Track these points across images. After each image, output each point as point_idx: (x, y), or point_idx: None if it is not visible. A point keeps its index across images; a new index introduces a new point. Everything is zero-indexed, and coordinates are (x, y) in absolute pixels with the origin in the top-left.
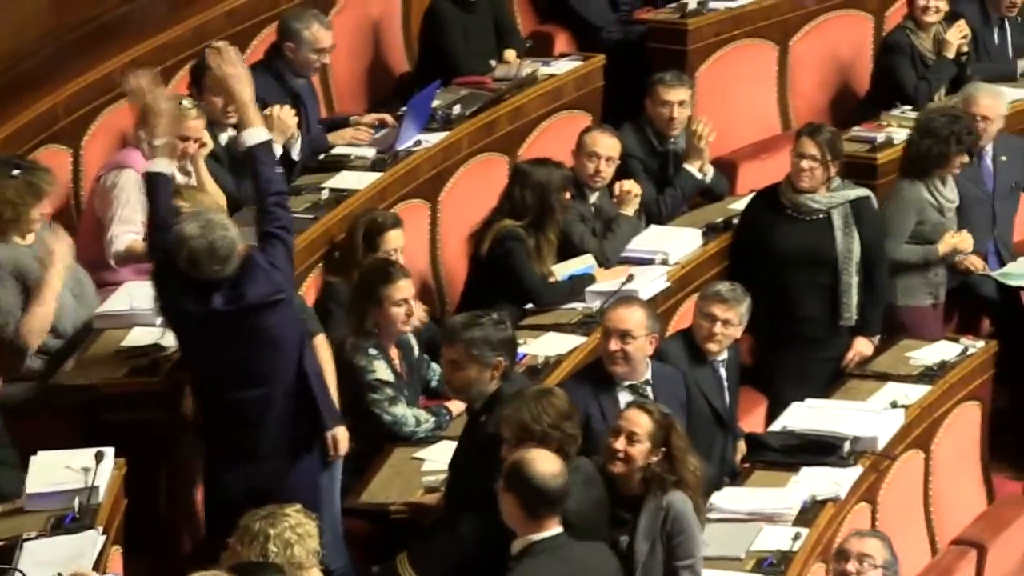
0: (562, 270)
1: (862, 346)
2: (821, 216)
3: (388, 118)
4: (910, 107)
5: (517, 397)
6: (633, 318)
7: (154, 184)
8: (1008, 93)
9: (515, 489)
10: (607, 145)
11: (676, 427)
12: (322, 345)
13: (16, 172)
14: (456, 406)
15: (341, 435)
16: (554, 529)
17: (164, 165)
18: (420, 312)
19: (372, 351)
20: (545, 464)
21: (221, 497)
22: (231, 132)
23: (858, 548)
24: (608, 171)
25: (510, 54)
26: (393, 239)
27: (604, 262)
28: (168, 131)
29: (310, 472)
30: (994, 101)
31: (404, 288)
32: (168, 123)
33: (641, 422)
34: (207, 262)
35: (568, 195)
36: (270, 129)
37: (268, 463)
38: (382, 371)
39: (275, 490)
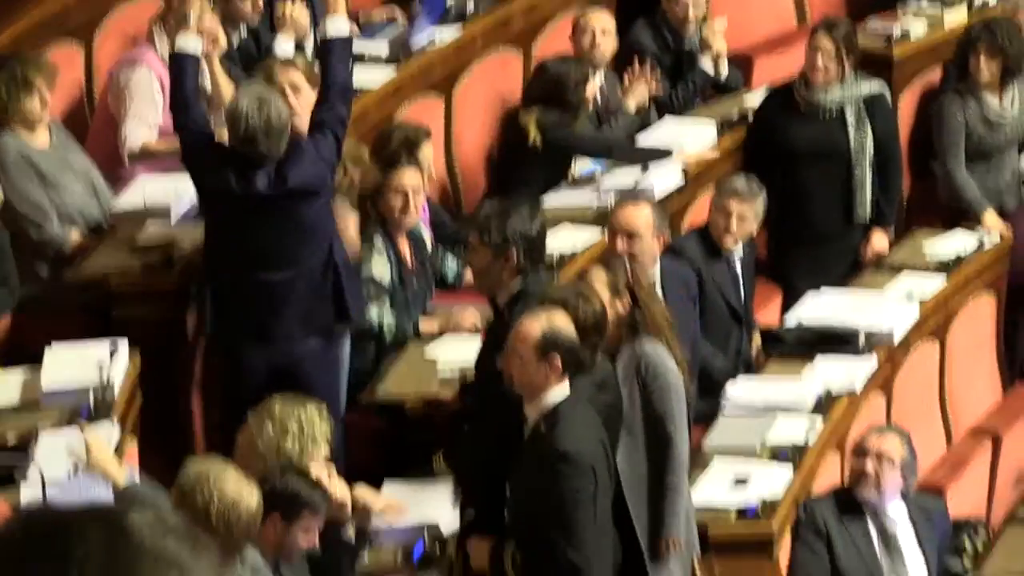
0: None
1: (878, 241)
2: (834, 112)
3: (398, 13)
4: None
5: (560, 293)
6: (640, 217)
7: (181, 63)
8: None
9: (558, 350)
10: (599, 18)
11: (639, 275)
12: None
13: (4, 65)
14: (429, 325)
15: None
16: (566, 388)
17: (192, 44)
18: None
19: (376, 241)
20: (569, 325)
21: (242, 374)
22: (244, 32)
23: (877, 446)
24: (605, 43)
25: None
26: (427, 154)
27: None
28: (197, 10)
29: (329, 358)
30: None
31: (405, 177)
32: (201, 5)
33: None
34: (263, 138)
35: (590, 89)
36: (282, 26)
37: (287, 345)
38: (378, 267)
39: (295, 372)
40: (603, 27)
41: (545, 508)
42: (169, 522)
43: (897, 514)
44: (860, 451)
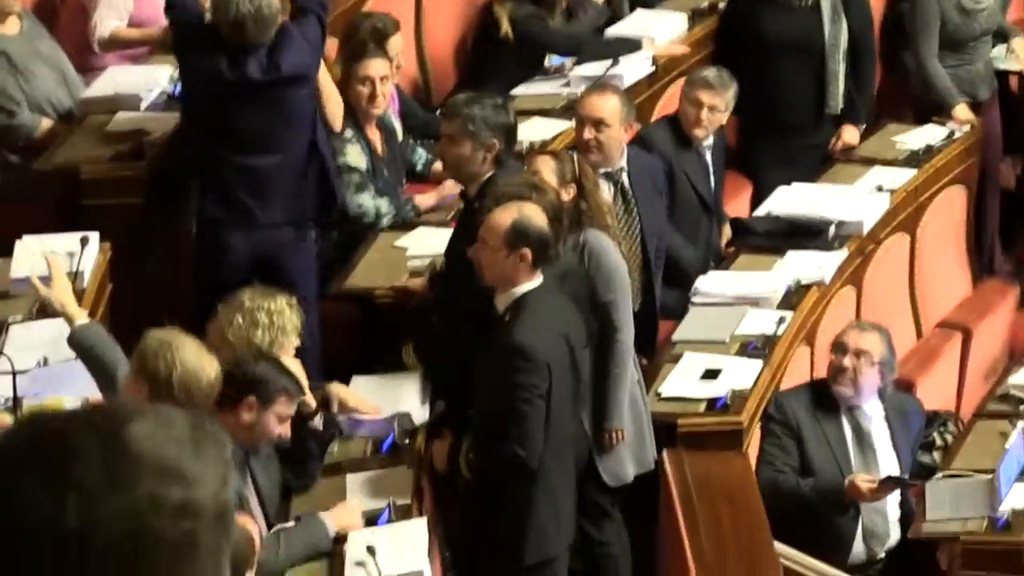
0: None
1: (848, 134)
2: (810, 3)
3: None
4: None
5: (514, 187)
6: (608, 106)
7: None
8: None
9: (527, 243)
10: None
11: (585, 167)
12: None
13: None
14: (425, 200)
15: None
16: (538, 279)
17: None
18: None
19: (347, 133)
20: (542, 216)
21: (224, 260)
22: None
23: (855, 343)
24: None
25: None
26: (395, 44)
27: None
28: None
29: (308, 247)
30: None
31: (371, 66)
32: None
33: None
34: (252, 25)
35: None
36: None
37: (270, 230)
38: (353, 155)
39: (276, 260)
40: None
41: (497, 401)
42: (171, 429)
43: (873, 412)
44: (839, 347)
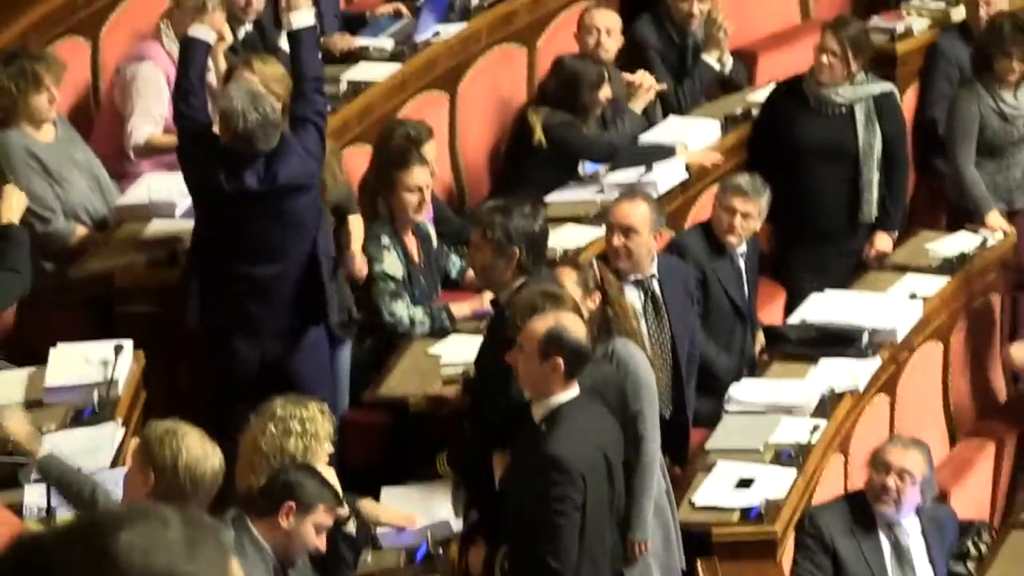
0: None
1: (882, 242)
2: (844, 110)
3: (403, 8)
4: None
5: (529, 303)
6: (637, 213)
7: (193, 49)
8: None
9: (560, 353)
10: (604, 18)
11: (607, 274)
12: (356, 225)
13: (13, 60)
14: (460, 309)
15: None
16: (575, 390)
17: (205, 32)
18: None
19: (384, 239)
20: (580, 327)
21: (233, 368)
22: (249, 27)
23: (899, 462)
24: (610, 43)
25: None
26: (430, 151)
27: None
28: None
29: (317, 352)
30: None
31: (419, 175)
32: None
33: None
34: (262, 135)
35: (604, 93)
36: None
37: (276, 338)
38: (390, 263)
39: (286, 365)
40: (608, 26)
41: (532, 511)
42: (163, 533)
43: (911, 527)
44: (880, 465)
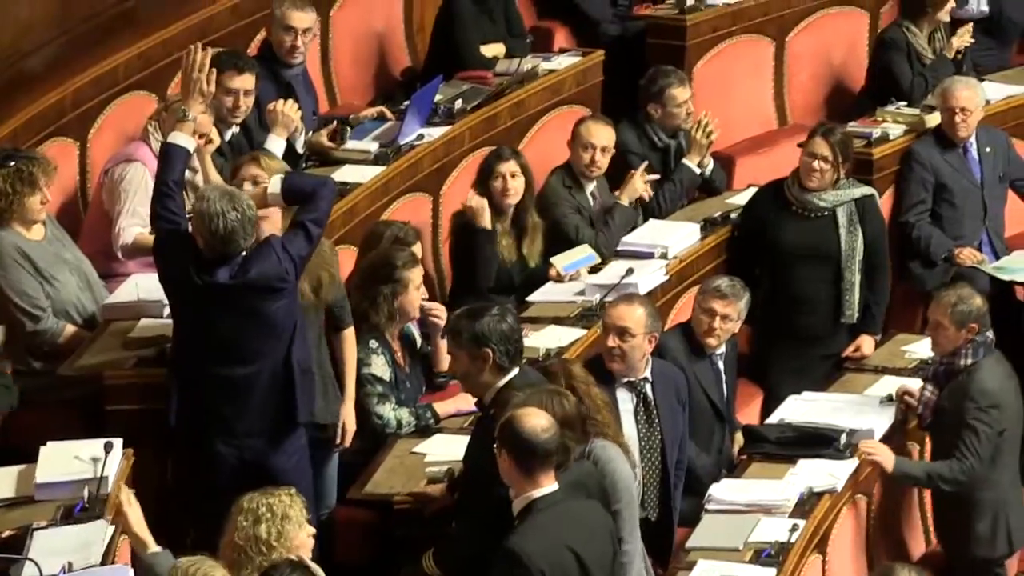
0: (562, 261)
1: (866, 345)
2: (826, 213)
3: (387, 112)
4: (905, 103)
5: (531, 395)
6: (633, 316)
7: (172, 154)
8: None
9: (507, 446)
10: (602, 135)
11: (575, 369)
12: (349, 338)
13: (9, 162)
14: (445, 407)
15: (348, 425)
16: (550, 486)
17: (184, 140)
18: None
19: (372, 343)
20: (534, 419)
21: (212, 468)
22: (236, 129)
23: None
24: (604, 161)
25: (495, 48)
26: (417, 251)
27: (601, 254)
28: (200, 112)
29: (295, 456)
30: (972, 92)
31: (420, 273)
32: (204, 105)
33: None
34: (241, 234)
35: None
36: (273, 123)
37: (250, 440)
38: (378, 366)
39: (264, 464)
40: (604, 145)
41: None
42: None
43: None
44: None
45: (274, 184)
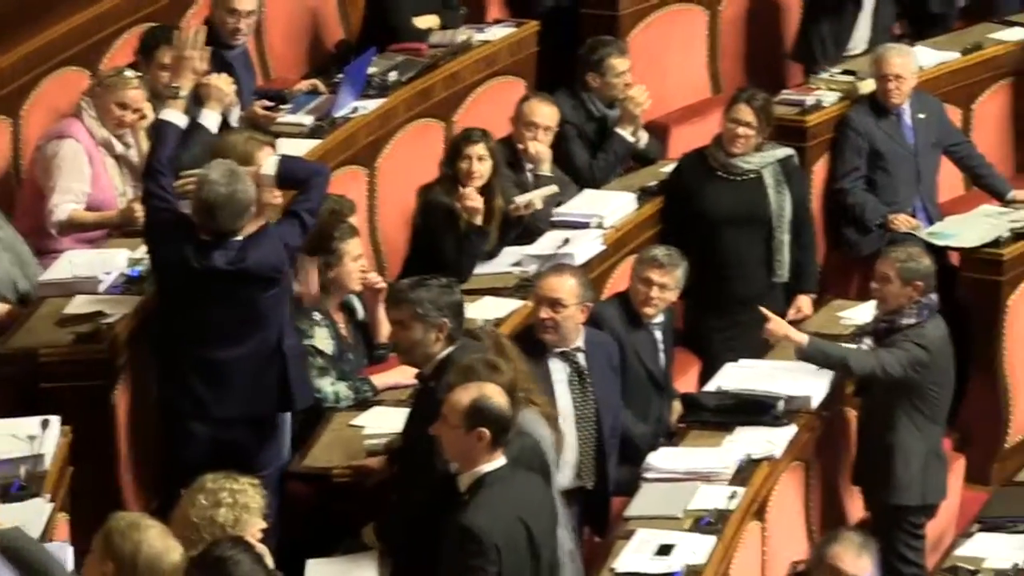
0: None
1: (805, 304)
2: (752, 176)
3: (320, 85)
4: (840, 71)
5: (466, 368)
6: (564, 286)
7: (165, 132)
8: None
9: (486, 423)
10: (545, 114)
11: (503, 340)
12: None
13: None
14: (383, 379)
15: None
16: (499, 460)
17: (178, 117)
18: (374, 275)
19: (316, 315)
20: (501, 397)
21: (186, 450)
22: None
23: (853, 571)
24: (547, 139)
25: (429, 20)
26: (355, 222)
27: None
28: (190, 87)
29: (274, 445)
30: (905, 59)
31: (358, 244)
32: (194, 81)
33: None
34: (223, 212)
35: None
36: (207, 97)
37: (227, 423)
38: (320, 339)
39: (239, 449)
40: (547, 125)
41: None
42: None
43: None
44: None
45: (269, 165)
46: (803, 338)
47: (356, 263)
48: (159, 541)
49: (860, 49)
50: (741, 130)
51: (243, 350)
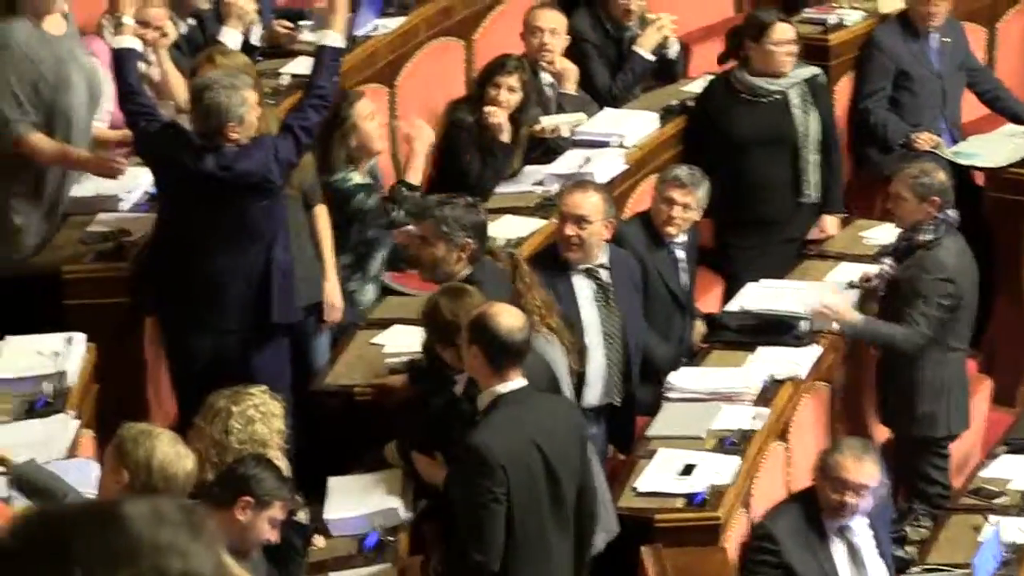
0: (550, 122)
1: (830, 224)
2: (777, 97)
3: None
4: None
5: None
6: (589, 203)
7: (123, 58)
8: None
9: (479, 342)
10: (548, 18)
11: (522, 266)
12: (321, 215)
13: None
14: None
15: (334, 301)
16: (518, 381)
17: (129, 41)
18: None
19: (356, 177)
20: (508, 318)
21: (187, 365)
22: (192, 21)
23: (857, 479)
24: (555, 43)
25: None
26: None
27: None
28: (134, 11)
29: (271, 355)
30: None
31: (368, 103)
32: (135, 4)
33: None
34: (216, 116)
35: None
36: (228, 16)
37: (227, 336)
38: (358, 177)
39: (241, 360)
40: (552, 27)
41: (460, 503)
42: (164, 511)
43: (860, 526)
44: (839, 484)
45: (335, 37)
46: (857, 318)
47: (372, 122)
48: (171, 447)
49: None
50: (789, 48)
51: (236, 261)
